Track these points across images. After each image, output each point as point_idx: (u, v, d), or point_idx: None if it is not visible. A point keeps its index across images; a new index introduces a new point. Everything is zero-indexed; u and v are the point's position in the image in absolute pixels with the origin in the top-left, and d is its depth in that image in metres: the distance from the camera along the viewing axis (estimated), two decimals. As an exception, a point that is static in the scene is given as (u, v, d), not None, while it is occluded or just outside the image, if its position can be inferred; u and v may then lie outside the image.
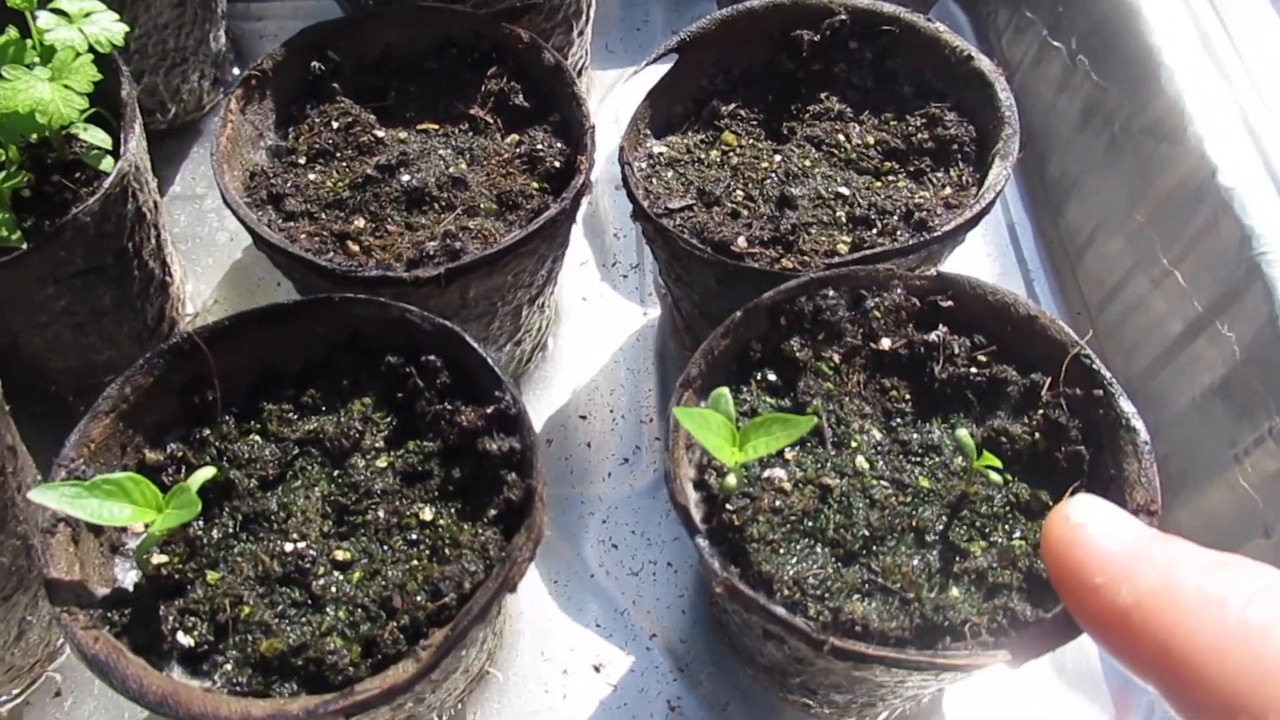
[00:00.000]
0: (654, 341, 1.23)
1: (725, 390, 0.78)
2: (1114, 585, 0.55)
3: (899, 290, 0.88)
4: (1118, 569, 0.55)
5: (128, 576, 0.80)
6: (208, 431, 0.85)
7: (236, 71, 1.46)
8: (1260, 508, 0.94)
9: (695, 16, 1.54)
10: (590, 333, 1.24)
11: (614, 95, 1.45)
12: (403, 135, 1.05)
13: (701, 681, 1.00)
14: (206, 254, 1.31)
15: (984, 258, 1.29)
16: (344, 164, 1.02)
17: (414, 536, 0.81)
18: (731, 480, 0.77)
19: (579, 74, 1.32)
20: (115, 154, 1.00)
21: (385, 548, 0.80)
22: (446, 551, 0.79)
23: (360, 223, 0.98)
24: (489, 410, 0.83)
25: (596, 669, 1.01)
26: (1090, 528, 0.59)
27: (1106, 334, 1.17)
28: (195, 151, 1.39)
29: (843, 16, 1.06)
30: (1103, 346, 1.17)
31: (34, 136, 0.91)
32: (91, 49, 0.95)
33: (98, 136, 0.99)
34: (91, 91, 0.93)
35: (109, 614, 0.75)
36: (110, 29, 0.96)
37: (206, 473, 0.78)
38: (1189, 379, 1.02)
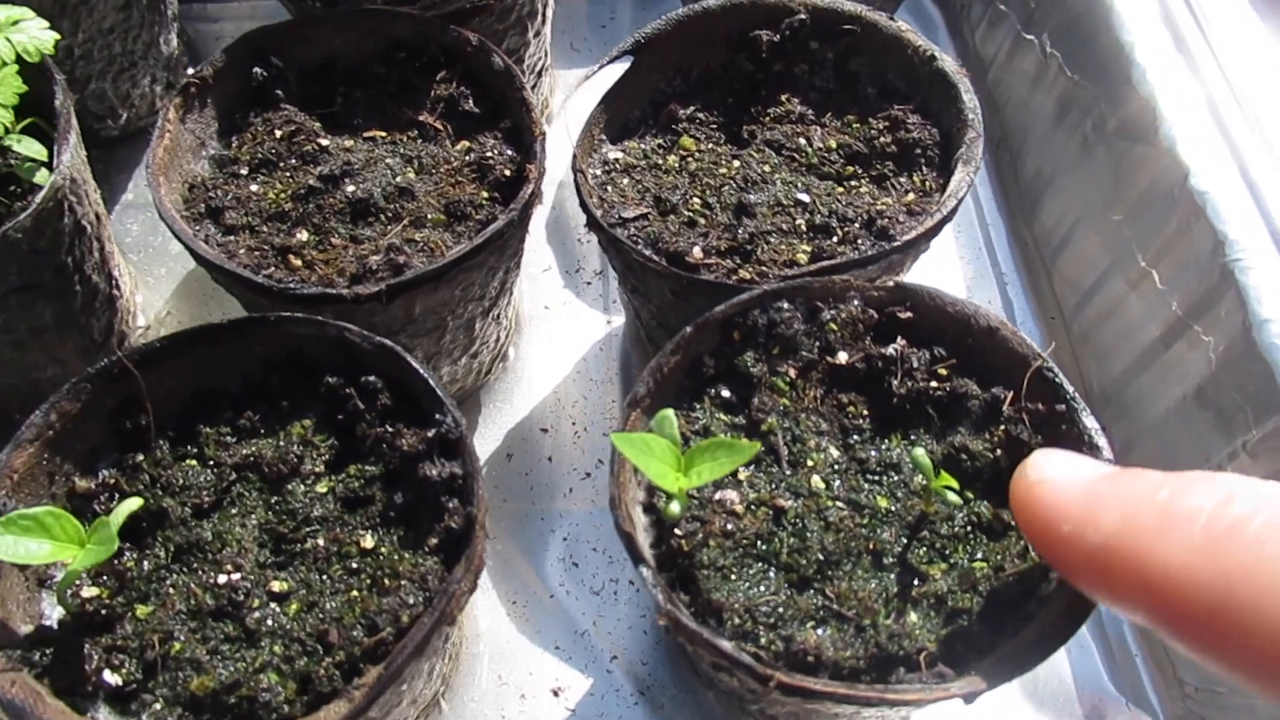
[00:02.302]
0: (618, 351, 1.20)
1: (670, 413, 0.75)
2: (1080, 531, 0.57)
3: (856, 302, 0.85)
4: (1081, 514, 0.58)
5: (55, 613, 0.76)
6: (141, 457, 0.82)
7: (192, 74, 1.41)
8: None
9: (662, 14, 1.50)
10: (552, 342, 1.21)
11: (579, 95, 1.42)
12: (348, 143, 1.01)
13: (663, 705, 0.97)
14: (159, 264, 1.27)
15: (957, 260, 1.26)
16: (287, 174, 0.98)
17: (354, 565, 0.78)
18: (675, 507, 0.74)
19: (540, 75, 1.29)
20: (50, 166, 0.96)
21: (324, 578, 0.77)
22: (386, 582, 0.76)
23: (303, 235, 0.94)
24: (429, 434, 0.80)
25: (555, 693, 0.98)
26: (1048, 482, 0.61)
27: (1081, 338, 1.14)
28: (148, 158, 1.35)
29: (803, 16, 1.02)
30: (1077, 352, 1.14)
31: (-42, 151, 0.87)
32: (20, 59, 0.91)
33: (32, 148, 0.95)
34: (18, 104, 0.90)
35: (30, 654, 0.72)
36: (39, 37, 0.93)
37: (131, 504, 0.74)
38: (1167, 386, 0.99)
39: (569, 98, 1.41)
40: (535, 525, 1.08)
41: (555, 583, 1.05)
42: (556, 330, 1.22)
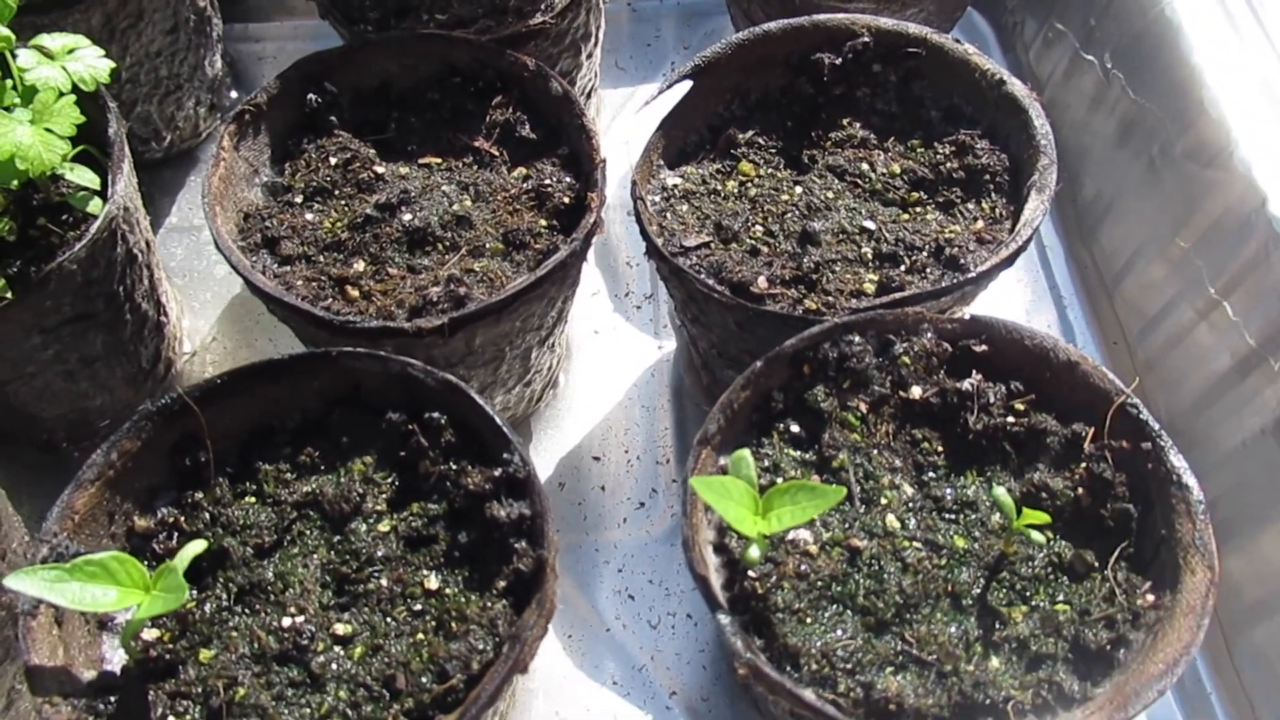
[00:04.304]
0: (669, 376, 1.18)
1: (747, 453, 0.73)
2: None
3: (929, 335, 0.83)
4: None
5: (116, 656, 0.75)
6: (200, 494, 0.81)
7: (234, 95, 1.41)
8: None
9: (707, 31, 1.49)
10: (603, 368, 1.19)
11: (625, 115, 1.40)
12: (404, 170, 0.99)
13: (724, 743, 0.95)
14: (204, 288, 1.26)
15: (1014, 283, 1.23)
16: (342, 202, 0.97)
17: (418, 607, 0.76)
18: (754, 553, 0.72)
19: (588, 96, 1.27)
20: (103, 195, 0.95)
21: (388, 620, 0.76)
22: (453, 626, 0.74)
23: (360, 266, 0.93)
24: (496, 473, 0.78)
25: (614, 730, 0.96)
26: None
27: (1146, 367, 1.11)
28: (191, 181, 1.34)
29: (866, 38, 1.00)
30: (1142, 380, 1.12)
31: (14, 183, 0.86)
32: (76, 88, 0.90)
33: (85, 177, 0.94)
34: (75, 134, 0.88)
35: (94, 702, 0.71)
36: (95, 65, 0.91)
37: (195, 548, 0.72)
38: (1242, 419, 0.96)
39: (616, 117, 1.40)
40: (589, 556, 1.06)
41: (611, 616, 1.03)
42: (607, 355, 1.20)
